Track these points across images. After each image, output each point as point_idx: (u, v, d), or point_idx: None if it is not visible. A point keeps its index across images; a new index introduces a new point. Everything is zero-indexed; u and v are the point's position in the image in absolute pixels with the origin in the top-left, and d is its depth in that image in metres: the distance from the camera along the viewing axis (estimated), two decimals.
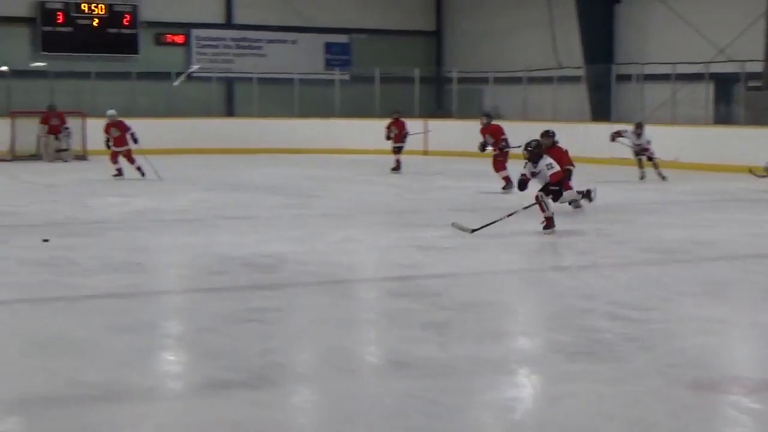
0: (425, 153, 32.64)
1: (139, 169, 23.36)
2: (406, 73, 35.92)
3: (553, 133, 16.91)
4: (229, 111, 37.76)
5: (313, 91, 36.32)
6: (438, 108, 38.02)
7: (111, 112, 24.34)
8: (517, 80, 34.15)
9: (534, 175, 14.81)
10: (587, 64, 33.26)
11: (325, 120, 34.92)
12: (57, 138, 30.15)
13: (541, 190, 14.62)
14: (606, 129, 25.61)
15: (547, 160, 14.77)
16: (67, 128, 30.09)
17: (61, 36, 35.39)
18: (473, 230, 13.93)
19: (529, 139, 15.22)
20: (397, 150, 26.04)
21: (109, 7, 36.01)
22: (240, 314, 9.08)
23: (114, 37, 36.14)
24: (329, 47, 39.21)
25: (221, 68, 37.45)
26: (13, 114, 31.06)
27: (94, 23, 35.91)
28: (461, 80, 36.08)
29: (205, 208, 17.86)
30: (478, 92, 36.87)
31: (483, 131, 21.82)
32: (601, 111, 31.96)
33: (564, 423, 6.16)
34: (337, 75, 37.26)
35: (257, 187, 21.92)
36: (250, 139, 33.74)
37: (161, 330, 8.81)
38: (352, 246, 13.41)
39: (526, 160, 14.79)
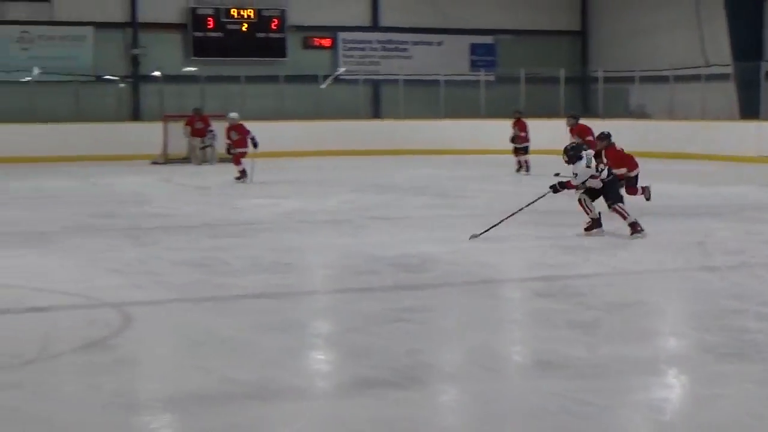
0: None
1: (242, 173, 23.67)
2: (551, 74, 35.66)
3: (608, 134, 16.50)
4: (376, 113, 37.94)
5: (458, 92, 36.30)
6: (583, 107, 37.63)
7: (233, 114, 24.69)
8: (663, 79, 33.64)
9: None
10: (736, 62, 32.57)
11: (471, 121, 34.86)
12: (202, 141, 30.66)
13: (583, 192, 14.32)
14: (755, 127, 25.06)
15: (583, 163, 14.31)
16: (211, 131, 30.56)
17: (212, 41, 36.02)
18: (472, 236, 13.67)
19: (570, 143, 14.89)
20: (521, 151, 25.56)
21: (258, 12, 36.52)
22: (387, 314, 9.12)
23: (263, 42, 36.65)
24: (474, 48, 39.13)
25: (367, 70, 37.66)
26: (165, 118, 31.70)
27: (244, 28, 36.47)
28: (607, 79, 35.68)
29: (352, 209, 17.99)
30: (624, 91, 36.43)
31: (571, 131, 21.51)
32: (749, 109, 31.27)
33: (713, 424, 6.06)
34: (482, 76, 37.18)
35: (403, 188, 21.98)
36: (396, 140, 33.86)
37: (310, 329, 8.90)
38: (497, 246, 13.35)
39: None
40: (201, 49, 35.90)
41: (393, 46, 38.31)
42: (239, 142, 24.01)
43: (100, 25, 34.87)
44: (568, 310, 9.32)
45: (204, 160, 30.21)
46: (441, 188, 21.82)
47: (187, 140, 30.69)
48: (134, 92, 35.52)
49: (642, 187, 16.37)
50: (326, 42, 37.78)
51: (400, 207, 18.41)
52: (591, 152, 14.53)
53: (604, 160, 15.08)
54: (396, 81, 36.39)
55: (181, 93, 33.92)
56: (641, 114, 35.83)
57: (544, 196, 14.43)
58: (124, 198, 20.20)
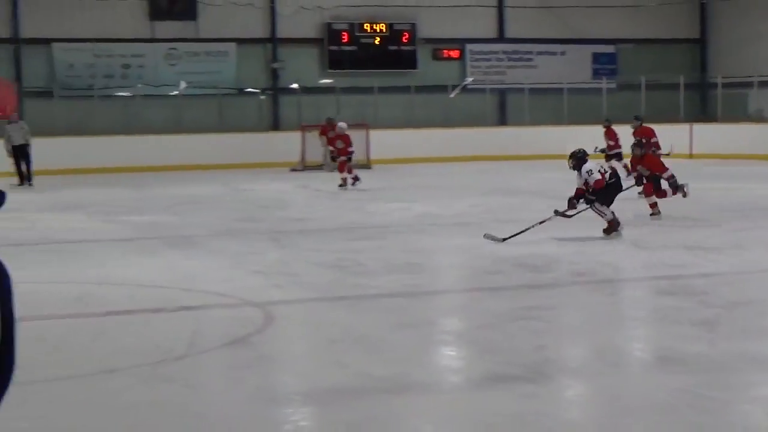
0: (690, 156, 31.79)
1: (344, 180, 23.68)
2: (670, 80, 35.12)
3: (640, 142, 17.05)
4: (502, 120, 37.81)
5: (581, 100, 35.96)
6: (702, 113, 36.97)
7: (341, 124, 24.71)
8: None
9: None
10: None
11: (593, 126, 34.46)
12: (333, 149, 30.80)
13: (590, 201, 14.01)
14: None
15: (588, 167, 14.05)
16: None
17: (346, 54, 36.28)
18: (504, 239, 13.40)
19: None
20: (614, 158, 24.79)
21: (390, 26, 36.66)
22: (514, 312, 9.08)
23: (394, 54, 36.78)
24: (596, 57, 38.74)
25: (494, 80, 37.55)
26: (303, 127, 32.02)
27: (376, 41, 36.66)
28: (725, 85, 35.01)
29: (480, 212, 17.93)
30: (743, 96, 35.70)
31: (635, 134, 21.20)
32: None
33: None
34: (604, 83, 36.76)
35: (529, 192, 21.87)
36: (522, 146, 33.67)
37: (441, 327, 8.90)
38: (620, 246, 13.20)
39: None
40: (336, 61, 36.19)
41: (518, 56, 38.14)
42: (343, 150, 23.97)
43: (242, 41, 35.37)
44: (690, 308, 9.17)
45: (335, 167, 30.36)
46: (564, 192, 21.52)
47: (322, 148, 30.89)
48: (274, 103, 35.95)
49: (675, 187, 16.09)
50: (455, 53, 37.77)
51: (525, 210, 18.23)
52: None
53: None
54: (521, 90, 36.25)
55: (318, 103, 34.21)
56: (759, 118, 35.03)
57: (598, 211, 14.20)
58: (265, 203, 20.44)
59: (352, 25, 36.39)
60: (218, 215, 18.18)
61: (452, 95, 35.61)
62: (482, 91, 36.55)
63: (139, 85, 33.61)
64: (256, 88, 35.11)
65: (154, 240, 14.85)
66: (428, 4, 36.10)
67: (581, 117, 34.69)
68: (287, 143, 31.73)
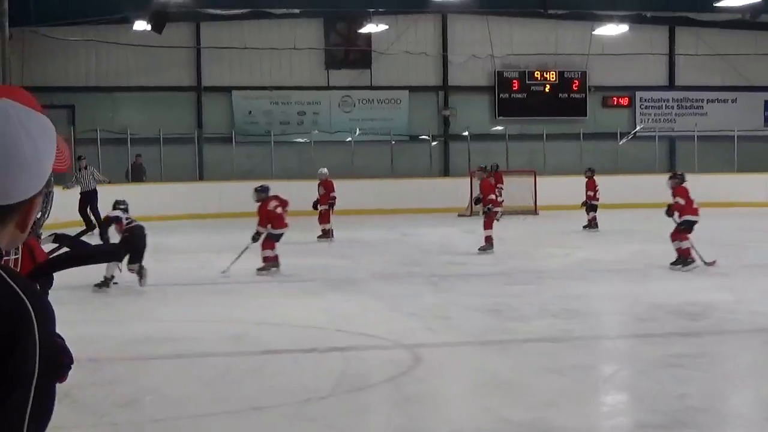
0: None
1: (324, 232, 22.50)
2: None
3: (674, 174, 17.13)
4: (671, 167, 37.01)
5: (752, 147, 35.05)
6: None
7: (323, 171, 23.79)
8: None
9: None
10: None
11: (764, 175, 33.57)
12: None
13: None
14: None
15: None
16: (500, 187, 30.54)
17: (516, 101, 36.20)
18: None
19: None
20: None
21: (560, 74, 36.47)
22: (663, 359, 8.88)
23: (564, 101, 36.55)
24: None
25: (663, 127, 36.92)
26: (472, 173, 31.96)
27: (546, 89, 36.50)
28: None
29: (641, 259, 17.61)
30: None
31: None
32: None
33: None
34: None
35: (694, 239, 21.29)
36: (691, 193, 32.88)
37: (587, 373, 8.75)
38: None
39: None
40: (506, 108, 36.14)
41: (689, 103, 37.42)
42: (324, 198, 23.00)
43: (414, 89, 35.68)
44: None
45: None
46: (731, 240, 21.06)
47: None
48: (444, 150, 36.08)
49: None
50: (624, 101, 37.32)
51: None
52: None
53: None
54: (691, 137, 35.48)
55: (487, 150, 34.17)
56: None
57: None
58: (429, 248, 20.48)
59: (522, 73, 36.34)
60: (383, 259, 18.30)
61: (622, 142, 35.15)
62: (651, 138, 35.94)
63: (315, 132, 34.20)
64: (427, 135, 35.28)
65: (317, 282, 15.02)
66: (598, 52, 35.73)
67: (752, 164, 33.84)
68: (456, 189, 31.75)
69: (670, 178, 16.67)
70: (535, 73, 36.45)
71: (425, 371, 8.72)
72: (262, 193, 16.06)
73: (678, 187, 16.58)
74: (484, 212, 20.31)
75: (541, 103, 36.35)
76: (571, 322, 11.20)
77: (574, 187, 32.36)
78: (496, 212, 20.29)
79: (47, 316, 1.57)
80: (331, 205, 22.91)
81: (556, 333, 10.41)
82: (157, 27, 28.69)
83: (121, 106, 33.06)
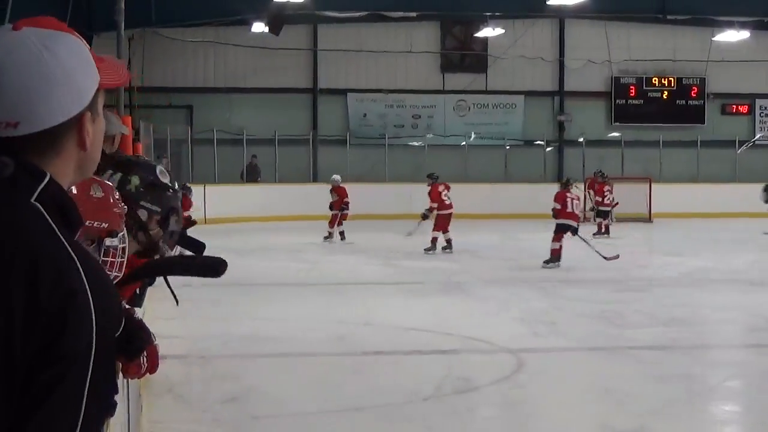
0: None
1: (330, 235, 22.78)
2: None
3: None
4: None
5: None
6: None
7: (335, 177, 24.06)
8: None
9: None
10: None
11: None
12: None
13: None
14: None
15: None
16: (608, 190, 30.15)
17: (632, 108, 35.75)
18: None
19: None
20: None
21: (679, 81, 35.90)
22: None
23: (682, 108, 35.96)
24: None
25: None
26: (587, 180, 31.65)
27: (664, 95, 35.96)
28: None
29: (756, 269, 17.24)
30: None
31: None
32: None
33: None
34: None
35: None
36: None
37: (693, 382, 8.58)
38: None
39: None
40: (622, 115, 35.71)
41: None
42: (337, 203, 23.18)
43: (529, 94, 35.47)
44: None
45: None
46: None
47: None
48: (559, 156, 35.77)
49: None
50: (744, 108, 36.59)
51: None
52: None
53: None
54: None
55: (602, 156, 33.80)
56: None
57: None
58: (539, 253, 20.27)
59: (640, 79, 35.85)
60: (492, 264, 18.25)
61: (740, 151, 34.48)
62: None
63: (429, 135, 34.20)
64: (542, 140, 35.01)
65: (425, 285, 15.01)
66: (718, 58, 35.06)
67: None
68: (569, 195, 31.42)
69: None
70: (653, 79, 35.94)
71: (529, 376, 8.65)
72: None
73: (557, 193, 18.49)
74: (423, 216, 21.28)
75: (658, 109, 35.82)
76: (680, 330, 11.01)
77: (690, 194, 31.92)
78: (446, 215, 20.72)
79: (104, 291, 1.57)
80: (343, 209, 23.16)
81: (663, 341, 10.25)
82: (275, 29, 28.98)
83: (238, 107, 33.46)
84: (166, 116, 31.32)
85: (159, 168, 3.61)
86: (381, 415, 7.31)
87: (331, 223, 23.00)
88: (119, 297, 1.84)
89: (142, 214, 3.47)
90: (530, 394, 8.11)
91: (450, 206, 20.57)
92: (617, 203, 29.93)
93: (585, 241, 18.11)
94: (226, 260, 3.18)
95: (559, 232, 17.74)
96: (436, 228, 20.35)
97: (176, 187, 3.67)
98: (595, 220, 29.93)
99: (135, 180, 3.49)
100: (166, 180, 3.55)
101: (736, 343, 10.63)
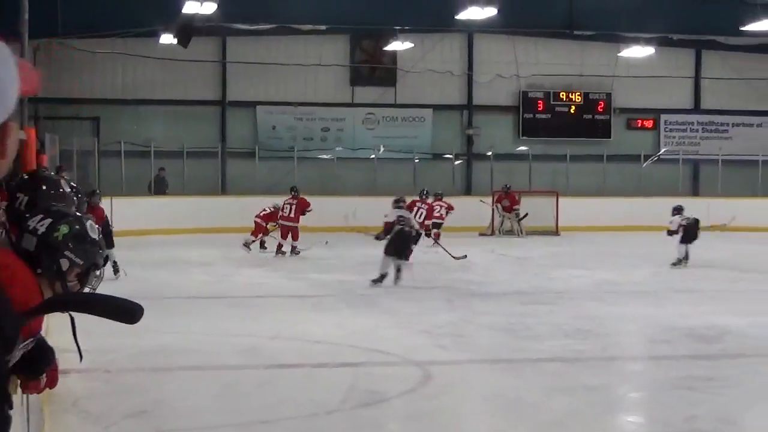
0: None
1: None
2: None
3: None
4: (695, 191, 36.99)
5: None
6: None
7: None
8: None
9: None
10: None
11: None
12: (516, 215, 30.75)
13: None
14: None
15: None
16: (516, 208, 30.60)
17: (540, 122, 36.15)
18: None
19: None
20: None
21: (585, 96, 36.40)
22: (675, 381, 8.88)
23: (588, 123, 36.43)
24: None
25: (687, 150, 36.76)
26: (494, 194, 31.98)
27: (571, 110, 36.41)
28: None
29: (660, 282, 17.65)
30: None
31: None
32: None
33: None
34: None
35: (716, 264, 21.34)
36: (713, 217, 32.78)
37: (596, 394, 8.73)
38: None
39: None
40: (530, 129, 36.08)
41: (713, 127, 37.30)
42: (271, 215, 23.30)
43: (438, 108, 35.69)
44: None
45: (510, 231, 30.38)
46: (755, 264, 21.09)
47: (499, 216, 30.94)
48: (468, 169, 36.06)
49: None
50: (649, 123, 37.23)
51: (709, 281, 17.90)
52: None
53: None
54: (715, 161, 35.34)
55: (510, 170, 34.17)
56: None
57: None
58: (448, 266, 20.50)
59: (547, 93, 36.30)
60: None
61: (645, 165, 35.10)
62: (675, 161, 35.80)
63: (338, 148, 34.26)
64: (450, 154, 35.28)
65: (331, 297, 15.08)
66: (624, 74, 35.67)
67: None
68: (478, 208, 31.71)
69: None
70: (560, 93, 36.39)
71: (435, 388, 8.75)
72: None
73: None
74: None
75: (566, 123, 36.28)
76: (584, 342, 11.20)
77: (596, 208, 32.44)
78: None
79: None
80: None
81: (568, 353, 10.42)
82: (184, 41, 28.85)
83: (146, 119, 33.22)
84: (72, 128, 31.00)
85: (88, 222, 3.63)
86: (288, 428, 7.36)
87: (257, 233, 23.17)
88: (14, 320, 1.85)
89: (64, 264, 3.48)
90: (436, 407, 8.19)
91: None
92: (526, 214, 30.39)
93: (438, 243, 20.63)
94: (142, 305, 3.18)
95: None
96: None
97: (99, 238, 3.68)
98: (501, 232, 30.36)
99: (64, 228, 3.50)
100: (94, 235, 3.57)
101: (639, 355, 10.86)
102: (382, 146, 34.34)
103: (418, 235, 17.91)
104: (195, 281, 17.21)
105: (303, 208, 22.97)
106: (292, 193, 23.59)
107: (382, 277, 16.39)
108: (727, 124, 37.26)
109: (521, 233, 30.22)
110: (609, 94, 36.40)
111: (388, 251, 16.55)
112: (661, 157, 35.83)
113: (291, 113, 34.45)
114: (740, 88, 36.64)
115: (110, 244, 15.87)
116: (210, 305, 14.34)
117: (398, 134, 35.44)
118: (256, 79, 34.11)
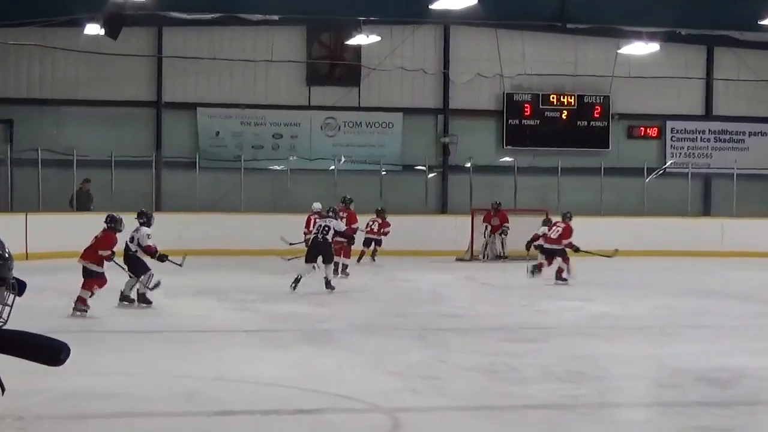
0: None
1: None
2: None
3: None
4: (706, 210, 37.24)
5: None
6: None
7: (316, 205, 25.89)
8: None
9: None
10: None
11: None
12: (500, 235, 30.84)
13: None
14: None
15: None
16: (506, 227, 30.68)
17: (528, 129, 36.32)
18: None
19: None
20: None
21: (580, 99, 36.59)
22: None
23: (583, 131, 36.67)
24: None
25: (698, 163, 37.01)
26: (474, 212, 32.02)
27: (563, 115, 36.61)
28: None
29: (665, 316, 17.73)
30: None
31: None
32: None
33: None
34: None
35: (729, 294, 21.50)
36: (727, 241, 33.08)
37: None
38: None
39: None
40: (515, 137, 36.24)
41: (728, 136, 37.62)
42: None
43: (409, 111, 35.78)
44: None
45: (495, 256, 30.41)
46: None
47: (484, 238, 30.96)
48: (443, 183, 36.12)
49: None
50: (653, 131, 37.48)
51: (721, 315, 18.00)
52: None
53: None
54: (729, 175, 35.54)
55: (493, 184, 34.31)
56: None
57: None
58: (421, 296, 20.55)
59: (535, 96, 36.49)
60: (365, 308, 18.42)
61: (649, 180, 35.29)
62: (684, 175, 36.00)
63: (292, 158, 34.19)
64: (423, 165, 35.29)
65: (287, 332, 15.08)
66: (624, 74, 35.90)
67: None
68: (455, 229, 31.77)
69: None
70: (551, 96, 36.62)
71: None
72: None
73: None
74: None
75: (557, 131, 36.50)
76: (577, 386, 11.22)
77: (591, 229, 32.43)
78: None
79: None
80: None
81: (559, 399, 10.44)
82: (113, 32, 28.76)
83: (68, 122, 33.15)
84: None
85: None
86: None
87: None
88: None
89: None
90: None
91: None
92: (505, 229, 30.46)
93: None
94: (67, 344, 3.16)
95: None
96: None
97: (8, 255, 3.69)
98: (487, 257, 30.38)
99: None
100: (2, 251, 3.57)
101: (641, 402, 10.88)
102: (343, 156, 34.42)
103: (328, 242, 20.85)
104: (125, 313, 17.15)
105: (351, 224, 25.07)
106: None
107: (297, 280, 20.13)
108: (743, 133, 37.62)
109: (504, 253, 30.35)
110: (607, 98, 36.66)
111: (306, 259, 20.79)
112: (667, 170, 36.15)
113: (237, 117, 34.52)
114: (758, 92, 36.97)
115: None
116: (142, 341, 14.31)
117: (362, 142, 35.57)
118: (197, 76, 34.15)
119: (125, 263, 17.75)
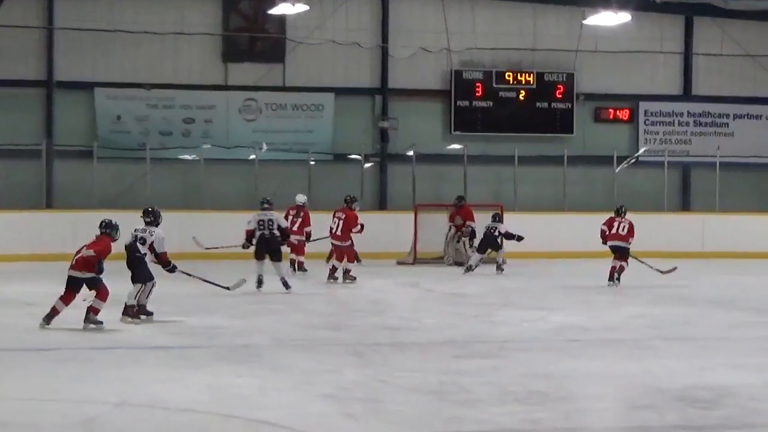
0: None
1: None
2: None
3: None
4: (685, 204, 37.51)
5: None
6: None
7: (300, 198, 27.40)
8: None
9: None
10: None
11: None
12: (460, 236, 30.82)
13: None
14: None
15: None
16: (470, 225, 30.64)
17: (479, 112, 36.41)
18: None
19: None
20: None
21: (540, 77, 36.71)
22: None
23: (544, 113, 36.82)
24: None
25: (675, 150, 37.28)
26: (417, 207, 32.04)
27: (520, 96, 36.71)
28: None
29: (640, 326, 17.86)
30: None
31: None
32: None
33: None
34: None
35: (710, 300, 21.70)
36: (709, 240, 33.35)
37: None
38: None
39: None
40: (465, 121, 36.35)
41: (710, 119, 37.91)
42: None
43: (342, 91, 35.77)
44: None
45: (457, 260, 30.32)
46: (758, 302, 21.40)
47: (444, 235, 30.87)
48: (382, 174, 36.13)
49: None
50: (623, 114, 37.70)
51: (701, 324, 18.19)
52: None
53: None
54: (712, 164, 35.81)
55: (439, 176, 34.48)
56: None
57: None
58: (357, 306, 20.57)
59: (488, 73, 36.60)
60: (293, 320, 18.36)
61: (619, 169, 35.50)
62: (659, 164, 36.26)
63: (206, 146, 34.08)
64: (358, 154, 35.25)
65: (203, 349, 15.05)
66: (591, 48, 36.09)
67: None
68: (397, 228, 31.79)
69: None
70: (506, 74, 36.76)
71: None
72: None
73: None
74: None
75: (513, 114, 36.66)
76: (540, 409, 11.27)
77: (553, 227, 32.66)
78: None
79: None
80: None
81: (519, 424, 10.49)
82: None
83: None
84: None
85: None
86: None
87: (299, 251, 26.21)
88: None
89: None
90: None
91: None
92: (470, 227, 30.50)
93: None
94: None
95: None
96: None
97: None
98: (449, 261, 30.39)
99: None
100: None
101: (613, 426, 10.95)
102: (265, 144, 34.31)
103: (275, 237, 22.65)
104: (10, 326, 17.04)
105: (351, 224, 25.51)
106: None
107: (259, 280, 22.31)
108: (727, 116, 37.92)
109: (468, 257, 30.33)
110: (571, 75, 36.89)
111: (256, 256, 22.61)
112: (640, 159, 36.33)
113: (142, 98, 34.42)
114: (744, 68, 37.25)
115: None
116: (31, 360, 14.21)
117: (288, 127, 35.63)
118: (95, 52, 34.04)
119: (128, 266, 17.65)
